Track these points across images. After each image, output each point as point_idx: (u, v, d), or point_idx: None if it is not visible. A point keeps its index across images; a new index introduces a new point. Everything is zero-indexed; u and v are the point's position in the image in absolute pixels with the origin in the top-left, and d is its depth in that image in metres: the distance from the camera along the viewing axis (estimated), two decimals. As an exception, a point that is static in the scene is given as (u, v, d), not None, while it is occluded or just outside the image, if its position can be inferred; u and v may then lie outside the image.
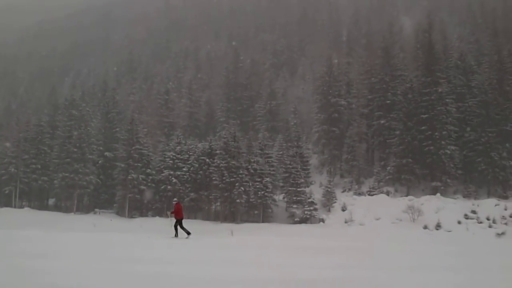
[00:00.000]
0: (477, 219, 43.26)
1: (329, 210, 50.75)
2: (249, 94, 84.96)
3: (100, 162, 64.32)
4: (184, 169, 57.74)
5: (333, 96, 65.56)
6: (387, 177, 56.11)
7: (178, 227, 21.35)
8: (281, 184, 55.87)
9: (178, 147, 59.82)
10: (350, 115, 65.57)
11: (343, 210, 49.26)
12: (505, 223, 41.96)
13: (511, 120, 54.22)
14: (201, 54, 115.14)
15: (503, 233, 38.97)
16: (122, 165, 58.91)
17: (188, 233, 21.13)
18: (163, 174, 58.14)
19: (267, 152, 58.96)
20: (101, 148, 65.62)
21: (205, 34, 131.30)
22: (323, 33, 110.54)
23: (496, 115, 54.60)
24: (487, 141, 53.43)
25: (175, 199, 24.94)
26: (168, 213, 23.87)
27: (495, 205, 45.49)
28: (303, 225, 47.80)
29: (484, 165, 52.99)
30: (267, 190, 52.82)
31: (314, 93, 72.62)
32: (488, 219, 42.67)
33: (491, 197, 50.16)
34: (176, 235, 21.27)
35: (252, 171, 54.18)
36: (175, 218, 21.50)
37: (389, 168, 56.34)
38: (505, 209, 43.99)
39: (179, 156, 58.80)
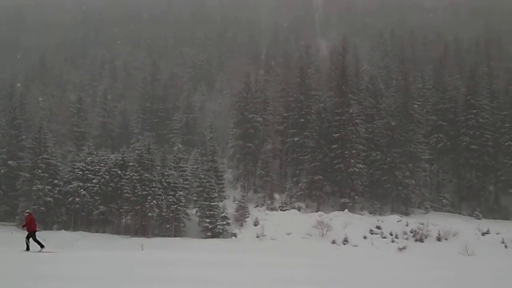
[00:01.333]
0: (381, 234, 45.43)
1: (241, 225, 51.04)
2: (165, 107, 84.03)
3: (2, 171, 60.35)
4: (94, 180, 55.67)
5: (249, 112, 66.51)
6: (299, 193, 57.59)
7: (31, 239, 20.51)
8: (195, 198, 55.51)
9: (89, 158, 57.66)
10: (266, 131, 66.71)
11: (256, 225, 49.78)
12: (406, 238, 44.42)
13: (414, 141, 57.75)
14: (118, 63, 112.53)
15: (404, 248, 41.18)
16: (27, 175, 55.74)
17: (42, 246, 20.36)
18: (71, 186, 55.65)
19: (181, 165, 58.44)
20: (4, 156, 61.58)
21: (123, 43, 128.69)
22: (243, 50, 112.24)
23: (401, 137, 57.96)
24: (392, 161, 56.62)
25: (28, 210, 23.65)
26: (19, 226, 22.94)
27: (398, 221, 48.06)
28: (215, 239, 47.67)
29: (389, 183, 56.04)
30: (180, 204, 52.23)
31: (231, 108, 73.23)
32: (391, 234, 44.93)
33: (394, 213, 53.02)
34: (28, 248, 20.41)
35: (165, 184, 53.39)
36: (27, 230, 20.71)
37: (301, 184, 57.88)
38: (407, 225, 46.59)
39: (89, 167, 56.62)
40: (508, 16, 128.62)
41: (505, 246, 41.20)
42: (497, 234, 44.55)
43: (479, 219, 52.99)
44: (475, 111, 61.53)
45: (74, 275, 12.30)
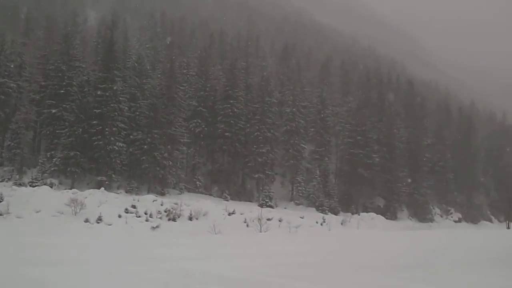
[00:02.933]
0: (136, 213, 45.45)
1: (-19, 201, 45.34)
2: None
3: None
4: None
5: (1, 76, 59.23)
6: (52, 169, 53.78)
7: None
8: None
9: None
10: (19, 99, 60.36)
11: (0, 201, 44.80)
12: (160, 218, 45.41)
13: (175, 124, 59.54)
14: None
15: (157, 226, 42.06)
16: None
17: None
18: None
19: None
20: None
21: None
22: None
23: (162, 119, 59.03)
24: (152, 141, 57.34)
25: None
26: None
27: (153, 201, 48.82)
28: None
29: (148, 163, 56.66)
30: None
31: (-21, 69, 64.14)
32: (145, 214, 45.36)
33: (151, 193, 53.87)
34: None
35: None
36: None
37: (55, 159, 54.18)
38: (161, 205, 47.67)
39: None
40: (265, 18, 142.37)
41: (247, 225, 45.57)
42: (241, 214, 49.03)
43: (227, 200, 57.84)
44: (231, 101, 66.63)
45: None
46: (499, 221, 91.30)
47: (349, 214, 63.30)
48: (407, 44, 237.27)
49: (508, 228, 74.33)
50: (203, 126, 65.83)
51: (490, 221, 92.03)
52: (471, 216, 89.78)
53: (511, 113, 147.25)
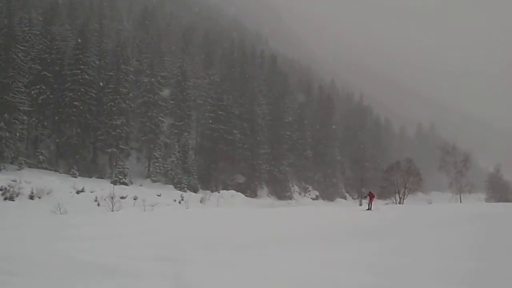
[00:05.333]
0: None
1: None
2: None
3: None
4: None
5: None
6: None
7: None
8: None
9: None
10: None
11: None
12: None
13: (13, 90, 54.63)
14: None
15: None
16: None
17: None
18: None
19: None
20: None
21: None
22: None
23: (-2, 83, 53.95)
24: (-14, 109, 52.25)
25: None
26: None
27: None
28: None
29: (-21, 134, 51.60)
30: None
31: None
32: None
33: (-17, 169, 49.30)
34: None
35: None
36: None
37: None
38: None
39: None
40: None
41: (98, 204, 43.98)
42: (91, 192, 47.19)
43: (76, 177, 55.07)
44: (82, 67, 63.11)
45: None
46: (353, 198, 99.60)
47: (209, 191, 64.27)
48: (273, 19, 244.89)
49: (361, 205, 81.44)
50: (48, 93, 61.43)
51: (345, 198, 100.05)
52: (328, 193, 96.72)
53: (367, 94, 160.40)
